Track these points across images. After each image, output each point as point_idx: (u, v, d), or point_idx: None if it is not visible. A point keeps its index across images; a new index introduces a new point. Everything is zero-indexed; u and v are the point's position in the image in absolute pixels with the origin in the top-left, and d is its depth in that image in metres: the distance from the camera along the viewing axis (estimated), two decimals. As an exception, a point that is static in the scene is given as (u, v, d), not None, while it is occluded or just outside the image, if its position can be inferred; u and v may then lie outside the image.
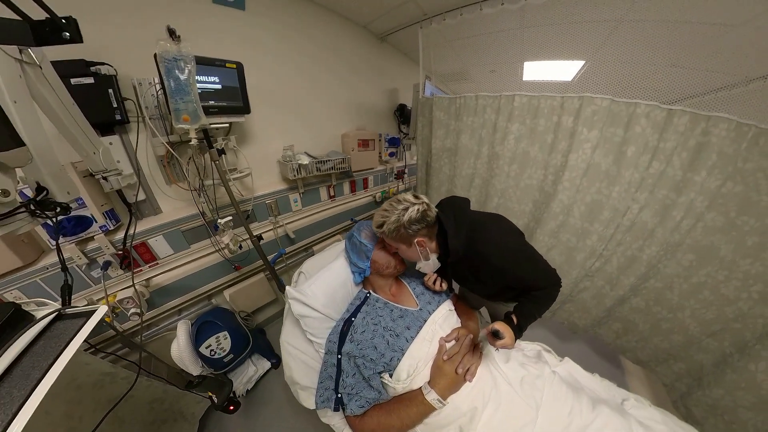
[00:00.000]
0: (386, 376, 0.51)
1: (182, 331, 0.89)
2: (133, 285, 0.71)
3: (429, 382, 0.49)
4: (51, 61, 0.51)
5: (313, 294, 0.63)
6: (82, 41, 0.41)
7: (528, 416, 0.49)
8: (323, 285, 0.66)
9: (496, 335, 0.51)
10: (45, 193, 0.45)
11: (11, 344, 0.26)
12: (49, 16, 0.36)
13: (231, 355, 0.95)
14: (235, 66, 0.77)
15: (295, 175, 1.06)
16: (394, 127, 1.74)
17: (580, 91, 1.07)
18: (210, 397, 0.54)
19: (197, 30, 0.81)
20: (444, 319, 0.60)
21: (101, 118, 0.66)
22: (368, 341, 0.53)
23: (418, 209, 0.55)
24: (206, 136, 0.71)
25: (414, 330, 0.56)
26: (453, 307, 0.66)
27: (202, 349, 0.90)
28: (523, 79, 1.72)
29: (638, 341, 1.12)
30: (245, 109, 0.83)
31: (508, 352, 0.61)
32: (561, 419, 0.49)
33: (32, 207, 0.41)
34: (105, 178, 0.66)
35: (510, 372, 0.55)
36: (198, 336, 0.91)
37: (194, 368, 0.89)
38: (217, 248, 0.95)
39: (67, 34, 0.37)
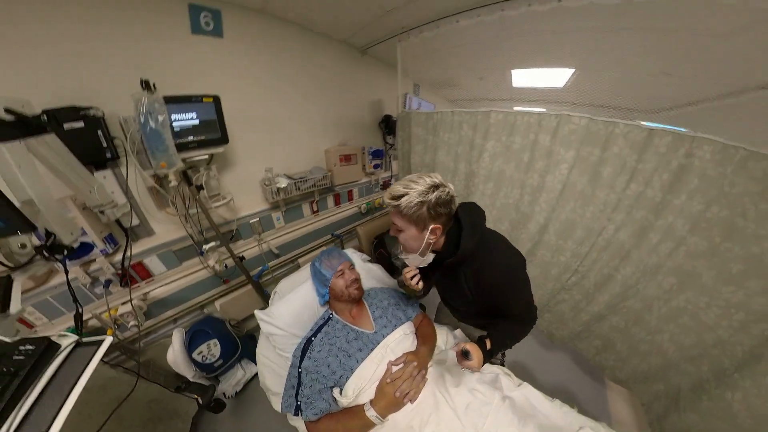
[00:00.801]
0: (336, 391, 0.62)
1: (177, 339, 1.04)
2: (131, 301, 0.85)
3: (371, 401, 0.59)
4: (44, 110, 0.62)
5: (279, 315, 0.75)
6: (63, 129, 0.50)
7: None
8: (290, 307, 0.78)
9: (465, 355, 0.54)
10: (53, 237, 0.57)
11: (47, 366, 0.39)
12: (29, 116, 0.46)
13: (221, 361, 1.10)
14: (212, 99, 0.87)
15: (274, 198, 1.16)
16: (380, 138, 1.81)
17: (573, 98, 1.08)
18: (196, 399, 0.67)
19: (177, 62, 0.90)
20: (397, 342, 0.69)
21: (93, 157, 0.77)
22: (323, 359, 0.64)
23: (449, 192, 0.53)
24: (185, 176, 0.82)
25: (365, 352, 0.66)
26: (411, 331, 0.75)
27: (195, 355, 1.05)
28: (513, 85, 1.74)
29: (616, 360, 1.15)
30: (224, 139, 0.93)
31: (461, 376, 0.67)
32: None
33: (45, 253, 0.53)
34: (102, 212, 0.78)
35: (456, 397, 0.61)
36: (191, 343, 1.06)
37: (187, 372, 1.05)
38: (204, 266, 1.08)
39: (49, 128, 0.48)
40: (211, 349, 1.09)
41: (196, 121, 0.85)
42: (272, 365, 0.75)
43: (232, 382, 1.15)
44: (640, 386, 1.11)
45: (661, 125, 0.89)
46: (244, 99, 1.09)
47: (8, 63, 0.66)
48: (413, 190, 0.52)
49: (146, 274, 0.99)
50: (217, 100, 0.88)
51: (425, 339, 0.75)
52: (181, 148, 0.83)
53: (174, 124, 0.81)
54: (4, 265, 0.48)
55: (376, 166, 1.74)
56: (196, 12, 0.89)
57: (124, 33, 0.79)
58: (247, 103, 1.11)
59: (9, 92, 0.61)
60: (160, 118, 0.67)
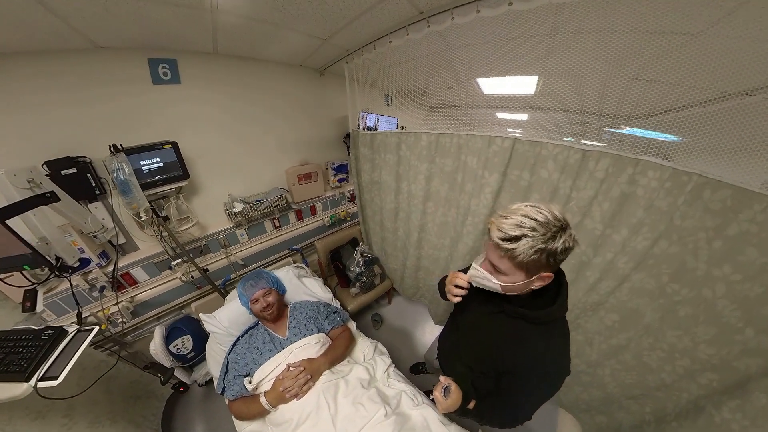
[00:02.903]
0: (246, 379, 0.91)
1: (157, 334, 1.43)
2: (117, 303, 1.23)
3: (266, 392, 0.86)
4: (46, 161, 0.97)
5: (219, 318, 1.10)
6: (61, 175, 0.85)
7: None
8: (229, 312, 1.12)
9: (444, 391, 0.60)
10: (61, 260, 0.93)
11: (60, 343, 0.73)
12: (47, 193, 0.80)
13: (193, 353, 1.48)
14: (170, 145, 1.19)
15: (233, 219, 1.49)
16: (345, 153, 2.05)
17: (549, 103, 1.12)
18: (159, 377, 1.03)
19: (144, 111, 1.21)
20: (302, 348, 0.96)
21: (85, 195, 1.12)
22: (242, 354, 0.95)
23: (574, 237, 0.46)
24: (153, 211, 1.16)
25: (273, 353, 0.94)
26: (320, 341, 1.00)
27: (171, 348, 1.43)
28: (486, 93, 1.86)
29: (559, 385, 1.27)
30: (185, 175, 1.26)
31: (354, 389, 0.84)
32: None
33: (56, 273, 0.89)
34: (95, 236, 1.16)
35: (340, 406, 0.79)
36: (168, 338, 1.44)
37: (166, 361, 1.44)
38: (175, 278, 1.45)
39: (55, 199, 0.82)
40: (184, 343, 1.46)
41: (161, 164, 1.18)
42: (216, 356, 1.10)
43: (202, 372, 1.53)
44: (584, 415, 1.20)
45: (600, 144, 0.87)
46: (205, 135, 1.41)
47: (20, 131, 0.99)
48: (535, 232, 0.45)
49: (132, 282, 1.38)
50: (175, 144, 1.20)
51: (329, 350, 1.00)
52: (151, 185, 1.18)
53: (143, 168, 1.15)
54: (31, 281, 0.84)
55: (341, 180, 2.00)
56: (155, 65, 1.19)
57: (101, 95, 1.11)
58: (208, 139, 1.43)
59: (22, 150, 0.99)
60: (127, 170, 1.00)
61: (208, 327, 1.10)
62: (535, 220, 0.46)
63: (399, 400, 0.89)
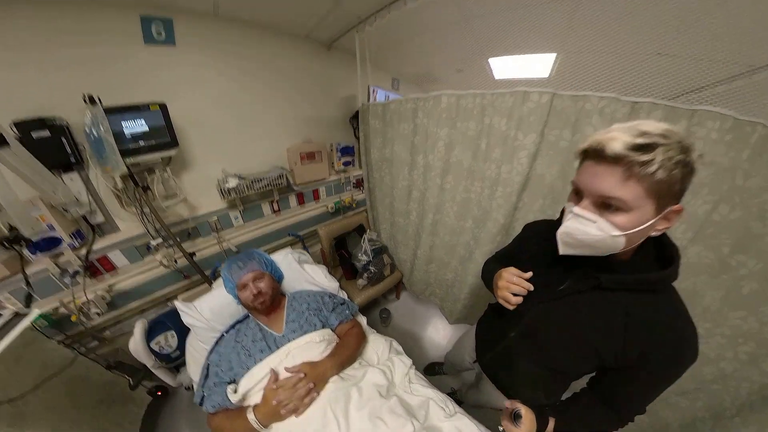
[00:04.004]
0: (230, 387, 0.69)
1: (138, 329, 1.24)
2: (85, 293, 1.05)
3: (256, 405, 0.64)
4: (14, 122, 0.82)
5: (199, 308, 0.88)
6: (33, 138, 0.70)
7: None
8: (211, 301, 0.90)
9: (514, 418, 0.47)
10: (16, 231, 0.76)
11: None
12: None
13: (178, 352, 1.28)
14: (158, 107, 1.04)
15: (226, 197, 1.32)
16: (351, 135, 1.90)
17: (563, 87, 1.02)
18: (127, 380, 0.83)
19: (132, 73, 1.08)
20: (302, 348, 0.75)
21: (59, 162, 0.96)
22: (226, 355, 0.74)
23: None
24: (132, 178, 1.00)
25: (266, 353, 0.72)
26: (325, 339, 0.79)
27: (152, 345, 1.23)
28: (496, 78, 1.73)
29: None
30: (174, 143, 1.11)
31: (371, 399, 0.64)
32: None
33: (5, 243, 0.72)
34: (66, 210, 1.00)
35: (353, 422, 0.60)
36: (149, 333, 1.25)
37: (148, 360, 1.24)
38: (159, 263, 1.27)
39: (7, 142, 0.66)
40: (168, 340, 1.27)
41: (146, 128, 1.03)
42: (195, 355, 0.89)
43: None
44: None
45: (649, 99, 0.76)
46: (200, 103, 1.27)
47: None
48: (668, 139, 0.33)
49: (110, 267, 1.21)
50: (163, 107, 1.05)
51: (337, 351, 0.78)
52: (133, 152, 1.02)
53: (126, 131, 1.00)
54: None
55: (346, 164, 1.84)
56: (148, 22, 1.06)
57: (86, 53, 0.99)
58: (203, 107, 1.29)
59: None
60: (103, 127, 0.85)
61: (185, 319, 0.89)
62: (657, 128, 0.34)
63: (427, 410, 0.70)
